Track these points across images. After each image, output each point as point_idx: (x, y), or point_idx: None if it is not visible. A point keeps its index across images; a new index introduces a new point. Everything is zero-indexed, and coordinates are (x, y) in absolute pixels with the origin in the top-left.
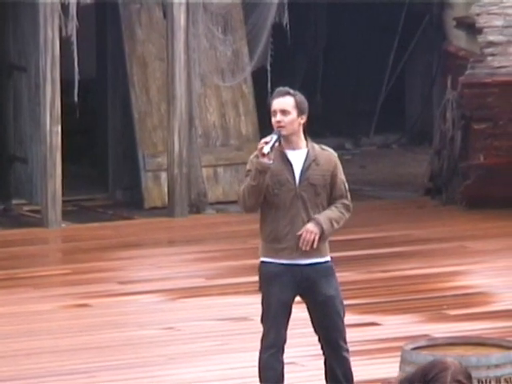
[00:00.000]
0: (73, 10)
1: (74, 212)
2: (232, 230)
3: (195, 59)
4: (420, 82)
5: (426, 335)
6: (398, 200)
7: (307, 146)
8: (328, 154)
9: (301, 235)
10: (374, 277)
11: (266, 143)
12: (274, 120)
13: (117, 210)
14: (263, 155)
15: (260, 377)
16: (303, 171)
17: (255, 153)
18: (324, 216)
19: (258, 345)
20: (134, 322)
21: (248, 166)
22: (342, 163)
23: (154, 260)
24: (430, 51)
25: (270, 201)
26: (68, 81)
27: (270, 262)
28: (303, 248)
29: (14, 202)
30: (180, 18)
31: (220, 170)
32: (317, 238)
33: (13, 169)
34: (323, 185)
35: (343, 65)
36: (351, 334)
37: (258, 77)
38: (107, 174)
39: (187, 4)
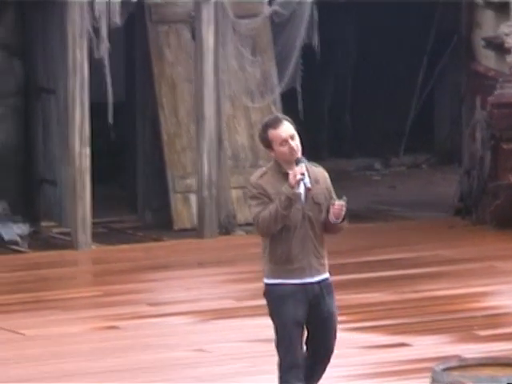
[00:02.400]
0: (104, 32)
1: (104, 234)
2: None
3: (224, 80)
4: (449, 102)
5: (456, 356)
6: (428, 220)
7: (306, 166)
8: (322, 171)
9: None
10: (404, 297)
11: (303, 174)
12: (286, 148)
13: (146, 231)
14: (309, 189)
15: None
16: (307, 191)
17: (259, 173)
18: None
19: None
20: (163, 344)
21: (255, 191)
22: (371, 184)
23: (184, 281)
24: (459, 71)
25: None
26: (97, 103)
27: (281, 284)
28: (333, 218)
29: (44, 224)
30: (209, 39)
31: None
32: (342, 214)
33: (42, 191)
34: (325, 202)
35: (372, 85)
36: (382, 355)
37: (287, 98)
38: (136, 195)
39: (216, 25)
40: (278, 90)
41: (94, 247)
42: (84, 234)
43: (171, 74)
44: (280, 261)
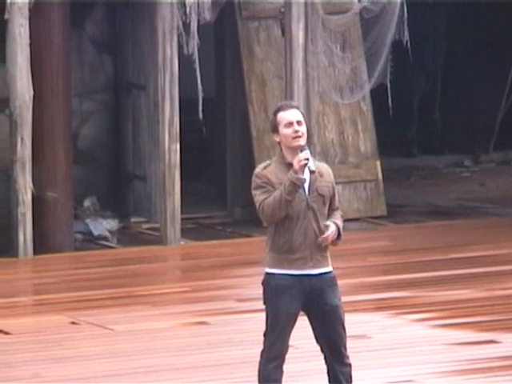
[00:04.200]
0: (194, 28)
1: (193, 230)
2: (350, 248)
3: (314, 77)
4: None
5: None
6: None
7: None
8: (326, 167)
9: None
10: (493, 294)
11: (307, 159)
12: (289, 131)
13: (236, 227)
14: (313, 172)
15: None
16: (311, 182)
17: (263, 165)
18: (340, 223)
19: (376, 363)
20: (252, 340)
21: (259, 181)
22: (461, 180)
23: None
24: None
25: None
26: (186, 99)
27: (280, 274)
28: (322, 243)
29: (133, 219)
30: (298, 35)
31: (338, 187)
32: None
33: (132, 187)
34: (328, 195)
35: (462, 82)
36: (470, 352)
37: (377, 94)
38: (226, 191)
39: (306, 21)
40: (367, 87)
41: (183, 243)
42: (173, 229)
43: (261, 70)
44: (282, 250)
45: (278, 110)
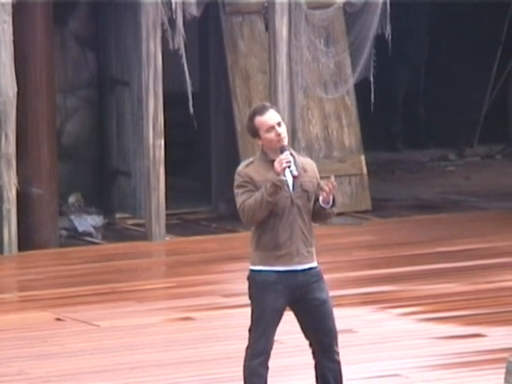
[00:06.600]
0: (180, 24)
1: (178, 225)
2: (335, 243)
3: (298, 71)
4: None
5: None
6: (502, 211)
7: (291, 154)
8: (310, 162)
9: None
10: (478, 288)
11: (289, 162)
12: (272, 135)
13: (220, 222)
14: (295, 177)
15: None
16: (294, 179)
17: (245, 162)
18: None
19: (362, 357)
20: (238, 335)
21: (241, 179)
22: (445, 174)
23: None
24: None
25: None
26: (170, 94)
27: (266, 271)
28: (324, 201)
29: (118, 215)
30: (282, 30)
31: (322, 182)
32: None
33: (116, 183)
34: (313, 191)
35: (446, 76)
36: (456, 346)
37: (361, 89)
38: (210, 186)
39: (289, 16)
40: (351, 81)
41: (167, 238)
42: (158, 225)
43: (245, 64)
44: (268, 247)
45: (254, 114)
